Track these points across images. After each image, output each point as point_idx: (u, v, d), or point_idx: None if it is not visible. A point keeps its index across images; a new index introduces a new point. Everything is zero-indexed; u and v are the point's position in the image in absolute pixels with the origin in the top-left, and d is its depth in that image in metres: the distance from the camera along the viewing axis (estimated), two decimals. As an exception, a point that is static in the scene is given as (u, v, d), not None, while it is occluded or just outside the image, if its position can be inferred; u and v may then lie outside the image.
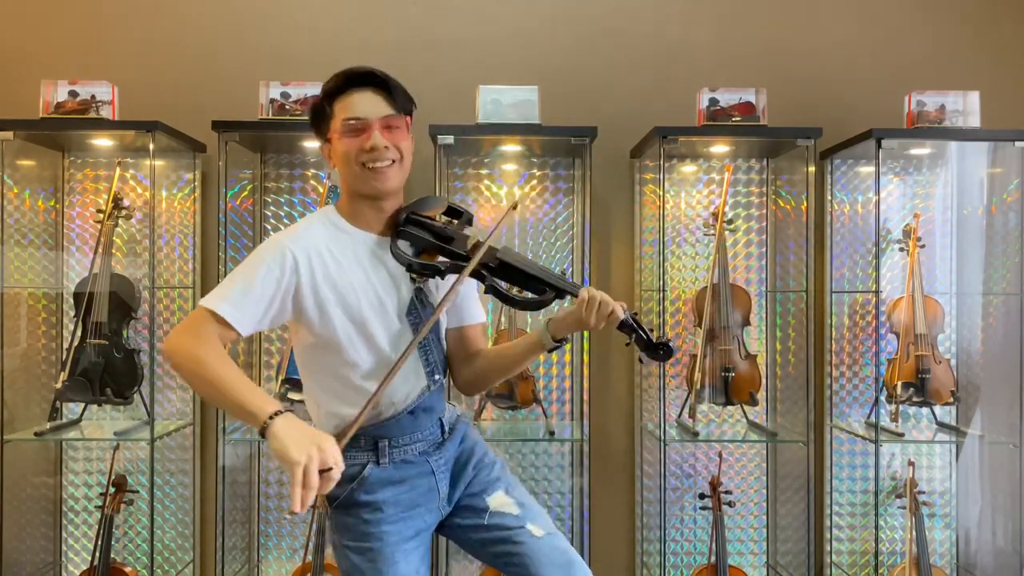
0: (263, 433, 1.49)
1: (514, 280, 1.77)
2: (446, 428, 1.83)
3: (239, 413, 1.55)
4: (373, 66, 1.76)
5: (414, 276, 1.74)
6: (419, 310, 1.75)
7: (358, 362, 1.71)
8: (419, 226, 1.77)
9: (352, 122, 1.70)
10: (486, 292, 1.77)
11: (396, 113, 1.74)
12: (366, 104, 1.72)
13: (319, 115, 1.76)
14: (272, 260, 1.66)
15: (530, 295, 1.76)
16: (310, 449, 1.44)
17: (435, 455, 1.80)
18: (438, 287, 1.81)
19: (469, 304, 1.90)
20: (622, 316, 1.70)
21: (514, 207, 1.99)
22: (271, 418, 1.48)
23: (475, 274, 1.75)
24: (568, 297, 1.74)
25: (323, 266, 1.69)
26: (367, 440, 1.74)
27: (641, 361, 1.76)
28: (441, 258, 1.75)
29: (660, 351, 1.72)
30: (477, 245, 1.75)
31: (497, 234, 1.79)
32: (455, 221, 1.87)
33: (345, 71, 1.74)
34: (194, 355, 1.57)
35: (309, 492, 1.42)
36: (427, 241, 1.76)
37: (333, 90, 1.74)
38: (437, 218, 1.82)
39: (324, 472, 1.44)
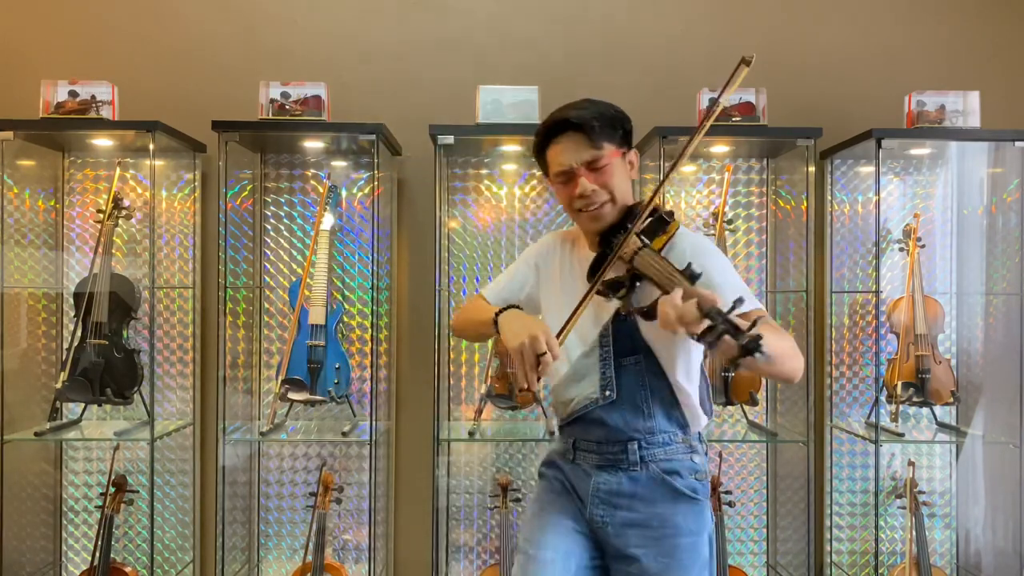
0: (497, 330, 1.76)
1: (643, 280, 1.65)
2: (634, 459, 1.78)
3: (484, 325, 1.82)
4: (574, 108, 1.77)
5: (618, 298, 1.71)
6: (611, 325, 1.79)
7: (564, 359, 1.82)
8: (606, 245, 1.76)
9: (560, 176, 1.79)
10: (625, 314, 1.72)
11: (599, 152, 1.75)
12: (568, 154, 1.77)
13: (539, 162, 1.88)
14: (529, 255, 1.98)
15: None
16: (523, 336, 1.63)
17: (605, 476, 1.80)
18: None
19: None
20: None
21: (747, 63, 1.82)
22: (500, 313, 1.77)
23: (619, 281, 1.68)
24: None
25: (551, 269, 1.91)
26: (566, 433, 1.88)
27: (735, 366, 1.58)
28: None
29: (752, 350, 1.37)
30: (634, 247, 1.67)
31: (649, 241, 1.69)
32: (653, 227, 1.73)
33: (548, 119, 1.81)
34: (462, 309, 2.06)
35: (530, 372, 1.61)
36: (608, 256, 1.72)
37: (542, 139, 1.82)
38: (636, 226, 1.70)
39: (540, 356, 1.61)
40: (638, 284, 1.66)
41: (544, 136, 1.81)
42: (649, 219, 1.71)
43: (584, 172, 1.75)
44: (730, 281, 1.69)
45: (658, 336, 1.74)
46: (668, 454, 1.79)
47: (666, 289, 1.52)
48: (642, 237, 1.68)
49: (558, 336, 1.66)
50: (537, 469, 1.98)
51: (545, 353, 1.60)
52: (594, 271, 1.74)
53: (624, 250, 1.67)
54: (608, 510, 1.79)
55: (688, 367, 1.80)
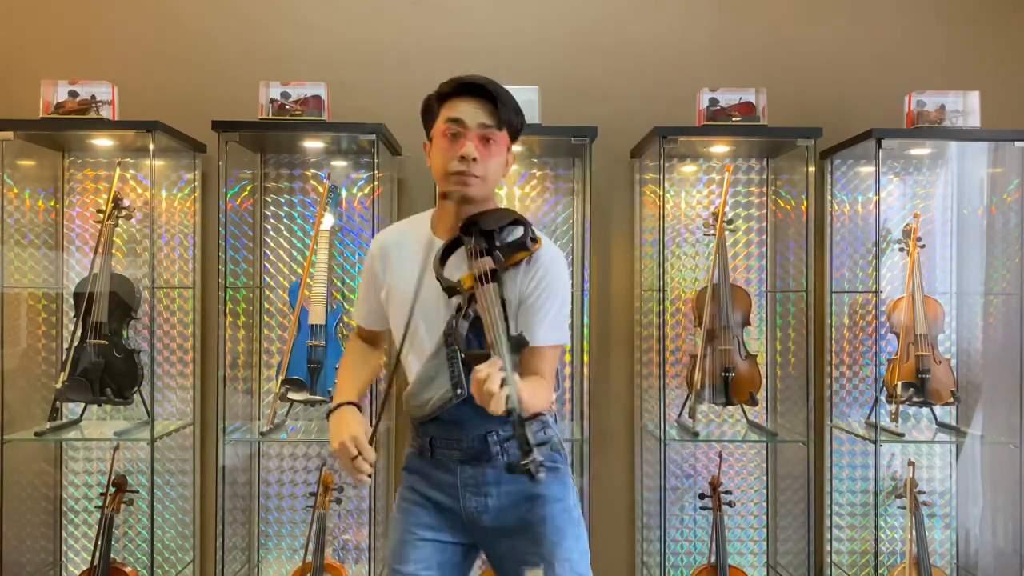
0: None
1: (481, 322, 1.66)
2: (493, 448, 1.79)
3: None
4: (487, 81, 1.79)
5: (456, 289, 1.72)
6: (453, 323, 1.73)
7: (406, 358, 1.83)
8: (461, 246, 1.74)
9: (452, 124, 1.75)
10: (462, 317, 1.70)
11: (495, 128, 1.76)
12: (470, 111, 1.75)
13: (427, 111, 1.84)
14: (366, 263, 1.94)
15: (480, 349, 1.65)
16: (334, 442, 1.71)
17: (470, 469, 1.81)
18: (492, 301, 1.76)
19: (534, 320, 1.74)
20: (502, 408, 1.45)
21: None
22: (333, 410, 1.79)
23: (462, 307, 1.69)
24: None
25: (394, 260, 1.84)
26: (421, 431, 1.87)
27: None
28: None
29: (518, 469, 1.42)
30: (472, 279, 1.68)
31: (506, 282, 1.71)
32: (511, 235, 1.74)
33: (461, 78, 1.80)
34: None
35: (353, 472, 1.67)
36: (463, 261, 1.72)
37: (446, 91, 1.79)
38: (496, 232, 1.73)
39: (354, 460, 1.67)
40: (472, 308, 1.68)
41: (453, 89, 1.77)
42: (518, 237, 1.73)
43: (475, 137, 1.73)
44: (549, 320, 1.74)
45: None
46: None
47: (489, 339, 1.58)
48: (497, 255, 1.68)
49: (372, 436, 1.72)
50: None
51: (358, 457, 1.67)
52: (443, 257, 1.73)
53: (477, 267, 1.67)
54: (481, 500, 1.81)
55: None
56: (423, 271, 1.71)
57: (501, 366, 1.47)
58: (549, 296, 1.74)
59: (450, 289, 1.70)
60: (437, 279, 1.71)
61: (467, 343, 1.68)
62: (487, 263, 1.68)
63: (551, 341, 1.75)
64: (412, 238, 1.84)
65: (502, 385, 1.44)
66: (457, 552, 1.87)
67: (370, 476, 1.66)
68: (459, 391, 1.76)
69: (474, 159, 1.72)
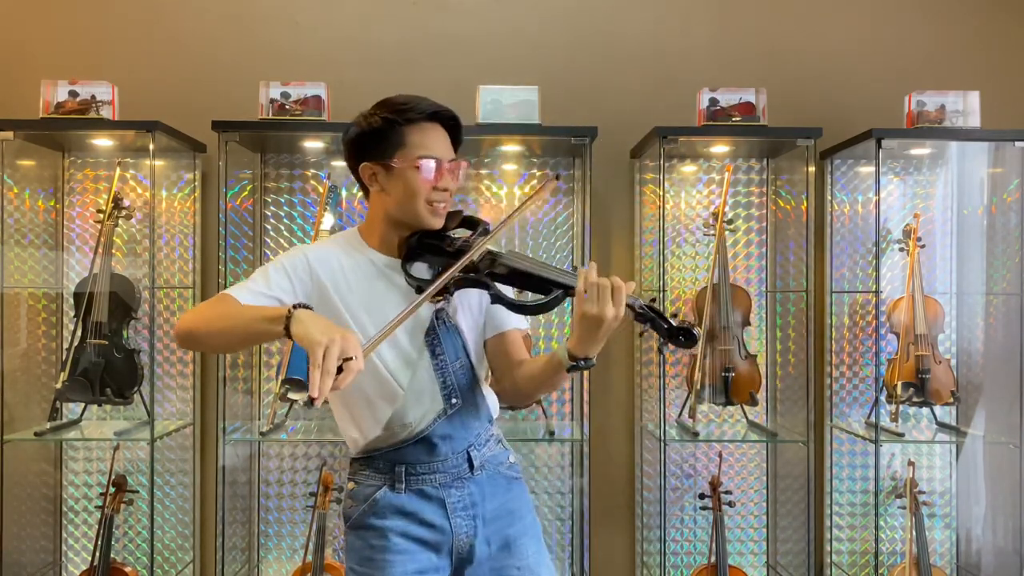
0: (288, 328, 1.44)
1: (522, 283, 1.65)
2: (476, 464, 1.74)
3: (262, 322, 1.50)
4: (447, 109, 1.75)
5: (436, 298, 1.65)
6: (437, 330, 1.71)
7: (363, 384, 1.68)
8: (429, 248, 1.72)
9: (432, 161, 1.68)
10: (492, 303, 1.66)
11: (458, 159, 1.76)
12: (443, 145, 1.73)
13: (382, 136, 1.68)
14: (287, 260, 1.71)
15: (539, 297, 1.62)
16: (333, 334, 1.37)
17: (456, 492, 1.72)
18: (465, 306, 1.77)
19: (500, 310, 1.75)
20: (624, 300, 1.52)
21: (557, 177, 1.90)
22: (294, 308, 1.46)
23: (478, 283, 1.65)
24: None
25: (336, 272, 1.70)
26: (385, 463, 1.72)
27: (660, 352, 1.64)
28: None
29: (681, 338, 1.53)
30: (484, 253, 1.67)
31: (498, 238, 1.74)
32: (471, 233, 1.76)
33: (425, 103, 1.70)
34: (196, 312, 1.62)
35: (326, 377, 1.34)
36: (438, 259, 1.69)
37: (412, 116, 1.69)
38: (451, 233, 1.75)
39: (345, 361, 1.36)
40: (498, 283, 1.64)
41: (417, 113, 1.69)
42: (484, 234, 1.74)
43: (449, 168, 1.71)
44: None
45: (473, 328, 1.78)
46: (492, 449, 1.79)
47: (560, 282, 1.59)
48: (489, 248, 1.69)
49: (367, 346, 1.45)
50: (345, 526, 1.78)
51: (352, 359, 1.36)
52: (409, 263, 1.69)
53: (477, 251, 1.65)
54: (471, 523, 1.73)
55: (483, 359, 1.83)
56: (379, 292, 1.67)
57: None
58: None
59: (471, 280, 1.63)
60: (410, 281, 1.65)
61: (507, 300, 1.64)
62: (484, 245, 1.67)
63: (523, 326, 1.84)
64: (349, 261, 1.73)
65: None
66: None
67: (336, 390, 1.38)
68: (454, 400, 1.72)
69: (444, 189, 1.72)
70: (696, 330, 1.53)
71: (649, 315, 1.55)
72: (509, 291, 1.65)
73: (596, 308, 1.51)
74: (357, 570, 1.72)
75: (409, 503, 1.71)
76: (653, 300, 1.58)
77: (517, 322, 1.83)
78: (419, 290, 1.61)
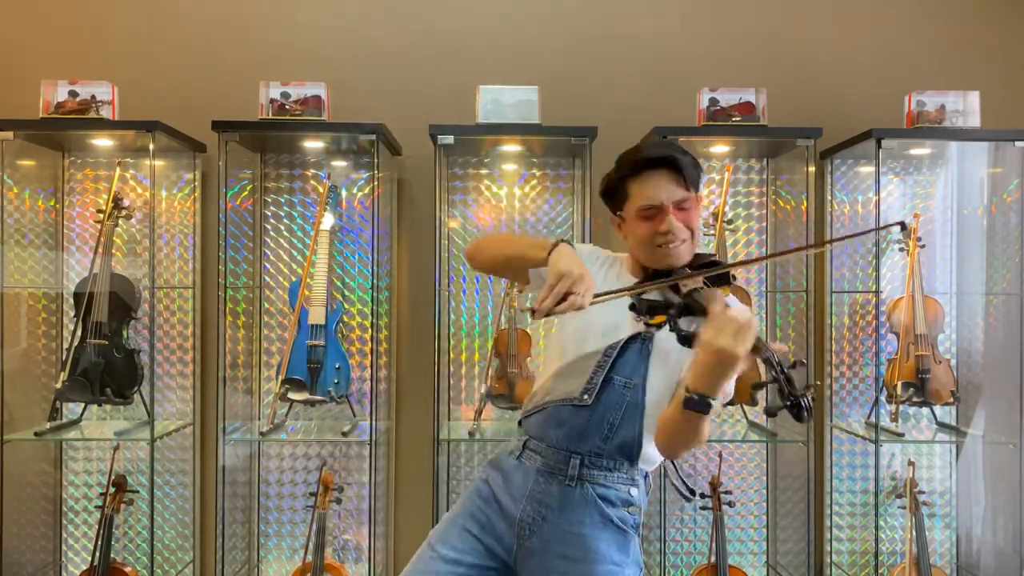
0: (551, 253, 1.68)
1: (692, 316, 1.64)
2: (574, 474, 1.77)
3: (532, 247, 1.75)
4: (668, 147, 1.82)
5: (649, 322, 1.69)
6: (624, 341, 1.77)
7: (553, 345, 1.90)
8: (659, 276, 1.75)
9: (649, 210, 1.78)
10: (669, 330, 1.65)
11: (688, 194, 1.79)
12: (661, 189, 1.78)
13: (613, 189, 1.88)
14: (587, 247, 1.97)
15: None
16: (572, 268, 1.59)
17: (542, 481, 1.79)
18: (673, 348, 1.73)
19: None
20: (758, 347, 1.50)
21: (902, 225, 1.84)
22: (560, 241, 1.71)
23: (658, 308, 1.65)
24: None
25: (593, 264, 1.87)
26: (524, 430, 1.87)
27: (768, 414, 1.60)
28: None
29: (797, 409, 1.46)
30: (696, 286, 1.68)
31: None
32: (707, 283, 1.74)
33: (643, 153, 1.82)
34: (483, 241, 1.95)
35: (552, 298, 1.56)
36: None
37: (629, 171, 1.83)
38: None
39: (568, 295, 1.57)
40: (684, 315, 1.64)
41: (638, 167, 1.81)
42: (718, 271, 1.74)
43: (673, 210, 1.76)
44: None
45: (662, 376, 1.77)
46: (607, 480, 1.78)
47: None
48: (706, 282, 1.71)
49: (598, 296, 1.63)
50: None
51: (577, 295, 1.56)
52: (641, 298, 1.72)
53: (685, 282, 1.68)
54: (538, 516, 1.78)
55: (662, 404, 1.79)
56: (619, 290, 1.74)
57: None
58: None
59: (656, 303, 1.67)
60: (639, 302, 1.69)
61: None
62: (697, 281, 1.69)
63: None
64: (608, 267, 1.91)
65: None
66: (493, 564, 1.82)
67: (573, 310, 1.55)
68: (585, 396, 1.77)
69: (679, 228, 1.76)
70: (810, 409, 1.47)
71: (779, 372, 1.49)
72: (689, 326, 1.63)
73: (718, 340, 1.51)
74: (457, 505, 1.93)
75: (511, 469, 1.85)
76: (798, 364, 1.51)
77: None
78: (632, 307, 1.69)
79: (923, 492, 3.16)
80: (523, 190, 3.34)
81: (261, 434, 3.11)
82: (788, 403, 1.47)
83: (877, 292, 3.06)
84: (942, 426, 3.27)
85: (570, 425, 1.78)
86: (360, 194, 3.32)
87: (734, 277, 1.79)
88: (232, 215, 3.14)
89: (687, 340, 1.61)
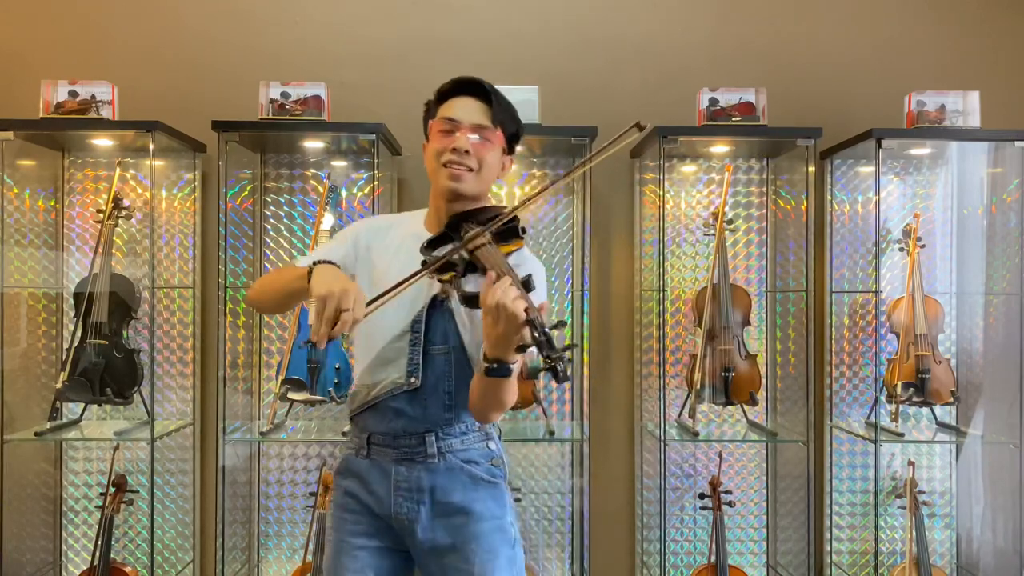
0: (309, 279, 1.61)
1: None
2: (431, 451, 1.77)
3: (296, 280, 1.67)
4: (484, 82, 1.83)
5: (442, 279, 1.65)
6: (426, 309, 1.74)
7: (360, 336, 1.83)
8: (454, 228, 1.72)
9: (445, 124, 1.78)
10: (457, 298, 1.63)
11: (487, 125, 1.78)
12: (462, 110, 1.78)
13: (427, 117, 1.87)
14: (347, 229, 1.90)
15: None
16: (334, 287, 1.51)
17: (404, 471, 1.77)
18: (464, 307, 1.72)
19: None
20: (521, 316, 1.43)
21: (639, 127, 1.84)
22: (315, 264, 1.64)
23: (446, 267, 1.61)
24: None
25: (379, 247, 1.82)
26: (359, 428, 1.83)
27: (532, 376, 1.54)
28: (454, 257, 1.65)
29: (557, 367, 1.38)
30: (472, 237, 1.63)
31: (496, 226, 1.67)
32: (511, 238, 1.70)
33: (456, 77, 1.83)
34: (255, 285, 1.86)
35: (325, 324, 1.49)
36: (457, 240, 1.67)
37: (442, 94, 1.83)
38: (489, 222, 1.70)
39: (342, 312, 1.50)
40: (470, 273, 1.61)
41: (450, 89, 1.82)
42: (505, 224, 1.68)
43: (468, 131, 1.75)
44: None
45: (470, 328, 1.76)
46: (465, 443, 1.80)
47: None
48: (491, 236, 1.66)
49: (371, 303, 1.56)
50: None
51: (348, 311, 1.49)
52: (430, 245, 1.70)
53: (471, 239, 1.63)
54: (412, 505, 1.77)
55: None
56: (404, 258, 1.72)
57: (512, 282, 1.46)
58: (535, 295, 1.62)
59: (445, 264, 1.62)
60: (424, 261, 1.66)
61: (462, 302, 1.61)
62: (483, 236, 1.63)
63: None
64: (400, 230, 1.85)
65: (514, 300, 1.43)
66: (396, 559, 1.82)
67: (343, 337, 1.54)
68: (412, 379, 1.75)
69: (466, 151, 1.74)
70: (567, 372, 1.39)
71: (541, 333, 1.41)
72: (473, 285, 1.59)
73: (493, 304, 1.47)
74: (329, 517, 1.89)
75: (365, 469, 1.81)
76: (560, 324, 1.46)
77: None
78: (423, 264, 1.65)
79: (923, 492, 3.16)
80: (523, 190, 3.34)
81: (261, 434, 3.11)
82: (546, 366, 1.39)
83: (877, 292, 3.06)
84: (942, 426, 3.27)
85: (410, 410, 1.76)
86: (360, 194, 3.32)
87: (523, 230, 1.73)
88: (232, 215, 3.14)
89: (469, 301, 1.58)
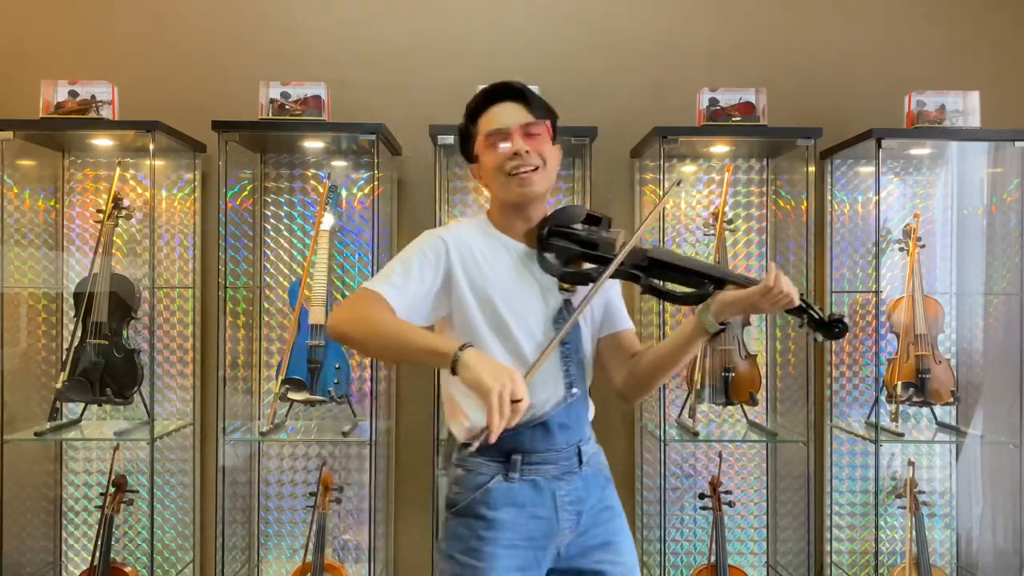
0: (454, 368, 1.49)
1: (670, 276, 1.73)
2: (584, 459, 1.76)
3: (425, 354, 1.56)
4: (510, 82, 1.80)
5: (564, 287, 1.71)
6: (566, 319, 1.70)
7: (522, 359, 1.71)
8: (562, 236, 1.75)
9: (494, 134, 1.73)
10: (643, 293, 1.72)
11: (535, 120, 1.76)
12: (505, 116, 1.75)
13: (465, 138, 1.80)
14: (426, 245, 1.71)
15: (688, 289, 1.72)
16: (503, 377, 1.44)
17: (565, 487, 1.73)
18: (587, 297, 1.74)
19: (619, 309, 1.88)
20: (797, 302, 1.65)
21: (678, 183, 1.98)
22: (461, 349, 1.50)
23: (627, 275, 1.71)
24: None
25: (472, 258, 1.71)
26: (500, 451, 1.68)
27: (816, 340, 1.72)
28: (588, 265, 1.72)
29: (835, 329, 1.67)
30: (623, 246, 1.71)
31: (642, 233, 1.78)
32: (595, 228, 1.82)
33: (483, 88, 1.79)
34: (362, 317, 1.59)
35: (502, 420, 1.42)
36: (572, 250, 1.73)
37: (474, 110, 1.78)
38: (574, 227, 1.79)
39: (514, 403, 1.44)
40: (654, 272, 1.72)
41: (484, 98, 1.77)
42: (648, 228, 1.84)
43: (519, 133, 1.72)
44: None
45: (589, 327, 1.81)
46: (593, 447, 1.84)
47: (710, 275, 1.69)
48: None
49: (527, 374, 1.54)
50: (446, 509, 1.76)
51: (521, 400, 1.44)
52: (562, 263, 1.73)
53: (637, 247, 1.72)
54: (574, 519, 1.74)
55: (593, 357, 1.88)
56: (514, 279, 1.71)
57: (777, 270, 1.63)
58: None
59: (628, 272, 1.71)
60: (552, 271, 1.70)
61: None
62: (621, 235, 1.77)
63: (632, 325, 1.92)
64: (486, 242, 1.75)
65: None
66: None
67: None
68: (574, 390, 1.74)
69: (527, 152, 1.72)
70: (848, 319, 1.69)
71: (802, 308, 1.69)
72: (658, 282, 1.73)
73: (765, 305, 1.64)
74: (459, 559, 1.69)
75: (521, 494, 1.69)
76: (803, 295, 1.70)
77: (630, 321, 1.90)
78: (561, 277, 1.70)
79: (923, 492, 3.16)
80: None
81: (261, 434, 3.11)
82: (825, 330, 1.68)
83: (877, 292, 3.06)
84: (942, 426, 3.27)
85: (570, 422, 1.75)
86: (360, 194, 3.32)
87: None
88: (232, 215, 3.14)
89: (658, 292, 1.73)
